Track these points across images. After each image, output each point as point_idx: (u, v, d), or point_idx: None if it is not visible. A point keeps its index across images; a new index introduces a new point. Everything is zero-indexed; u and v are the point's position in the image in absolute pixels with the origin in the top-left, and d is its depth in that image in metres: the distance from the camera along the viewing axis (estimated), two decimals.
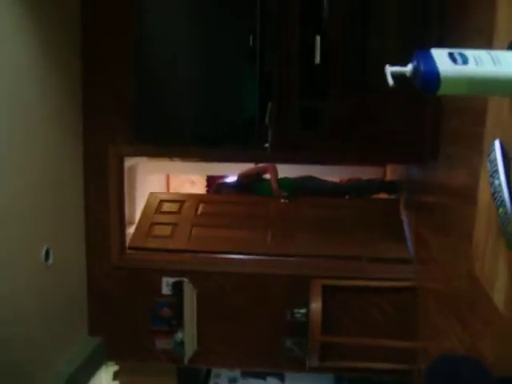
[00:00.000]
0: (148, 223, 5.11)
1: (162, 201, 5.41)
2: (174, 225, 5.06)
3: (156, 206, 5.32)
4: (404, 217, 4.82)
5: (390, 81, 1.02)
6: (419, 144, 3.62)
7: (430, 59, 0.98)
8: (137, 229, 5.10)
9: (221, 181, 6.02)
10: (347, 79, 3.56)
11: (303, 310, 4.25)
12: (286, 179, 5.56)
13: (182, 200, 5.43)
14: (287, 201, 5.23)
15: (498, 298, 1.30)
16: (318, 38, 3.53)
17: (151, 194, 5.55)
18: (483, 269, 1.39)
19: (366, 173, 6.48)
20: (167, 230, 5.02)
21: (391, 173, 5.97)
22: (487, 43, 1.32)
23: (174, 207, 5.31)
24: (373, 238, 4.69)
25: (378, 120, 3.64)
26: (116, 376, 5.12)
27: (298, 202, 5.23)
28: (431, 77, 0.96)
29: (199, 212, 5.24)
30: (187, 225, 5.05)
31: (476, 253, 1.45)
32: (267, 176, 5.64)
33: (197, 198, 5.55)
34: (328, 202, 5.23)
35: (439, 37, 3.35)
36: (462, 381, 1.51)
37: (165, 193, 6.74)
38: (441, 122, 3.43)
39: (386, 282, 4.33)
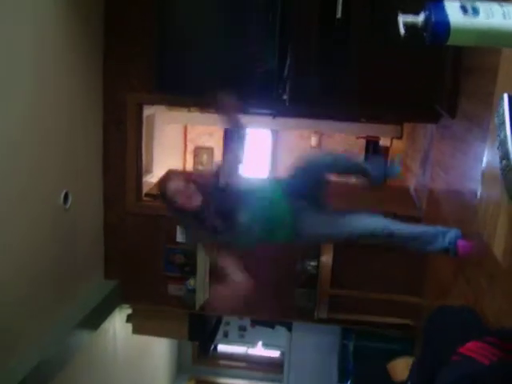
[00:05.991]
0: None
1: None
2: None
3: None
4: (420, 175, 4.83)
5: (402, 30, 1.04)
6: (437, 102, 3.62)
7: (442, 10, 1.00)
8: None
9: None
10: (367, 35, 3.54)
11: (314, 263, 4.33)
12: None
13: None
14: None
15: (498, 249, 1.35)
16: None
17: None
18: (485, 221, 1.43)
19: (382, 131, 6.47)
20: None
21: (408, 132, 5.94)
22: None
23: None
24: (382, 198, 4.75)
25: (396, 77, 3.62)
26: (129, 319, 5.28)
27: None
28: (442, 27, 0.99)
29: None
30: None
31: (479, 206, 1.49)
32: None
33: None
34: None
35: None
36: (458, 328, 1.57)
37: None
38: (460, 80, 3.42)
39: None
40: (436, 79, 3.55)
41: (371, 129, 6.38)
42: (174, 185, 2.78)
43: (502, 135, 1.20)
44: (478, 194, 1.51)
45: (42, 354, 3.65)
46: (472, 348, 1.42)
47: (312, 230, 3.00)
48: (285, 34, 3.79)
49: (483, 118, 2.80)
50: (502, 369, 1.36)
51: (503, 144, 1.19)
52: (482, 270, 2.74)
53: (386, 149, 7.00)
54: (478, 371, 1.35)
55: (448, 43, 1.00)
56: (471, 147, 3.10)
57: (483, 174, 1.47)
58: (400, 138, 6.30)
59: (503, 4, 1.07)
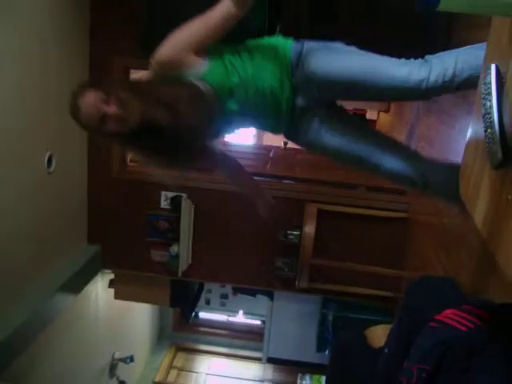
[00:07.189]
0: None
1: None
2: None
3: None
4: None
5: None
6: None
7: None
8: None
9: None
10: (359, 2, 3.50)
11: (296, 232, 4.36)
12: None
13: None
14: None
15: (478, 217, 1.36)
16: None
17: None
18: (468, 189, 1.44)
19: (369, 104, 6.44)
20: None
21: (395, 105, 5.93)
22: None
23: None
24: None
25: (387, 43, 3.58)
26: (111, 284, 5.30)
27: None
28: None
29: None
30: None
31: (463, 174, 1.50)
32: None
33: None
34: None
35: None
36: (437, 297, 1.60)
37: None
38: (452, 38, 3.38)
39: (379, 211, 4.41)
40: (425, 52, 3.53)
41: (358, 102, 6.35)
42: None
43: (487, 105, 1.20)
44: (462, 163, 1.52)
45: (23, 316, 3.67)
46: (449, 315, 1.45)
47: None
48: (275, 2, 3.74)
49: (470, 91, 2.80)
50: (478, 335, 1.39)
51: (489, 114, 1.19)
52: (462, 243, 2.78)
53: (373, 122, 7.01)
54: (454, 337, 1.38)
55: (439, 8, 0.99)
56: (457, 121, 3.12)
57: (467, 144, 1.48)
58: (387, 111, 6.30)
59: None
